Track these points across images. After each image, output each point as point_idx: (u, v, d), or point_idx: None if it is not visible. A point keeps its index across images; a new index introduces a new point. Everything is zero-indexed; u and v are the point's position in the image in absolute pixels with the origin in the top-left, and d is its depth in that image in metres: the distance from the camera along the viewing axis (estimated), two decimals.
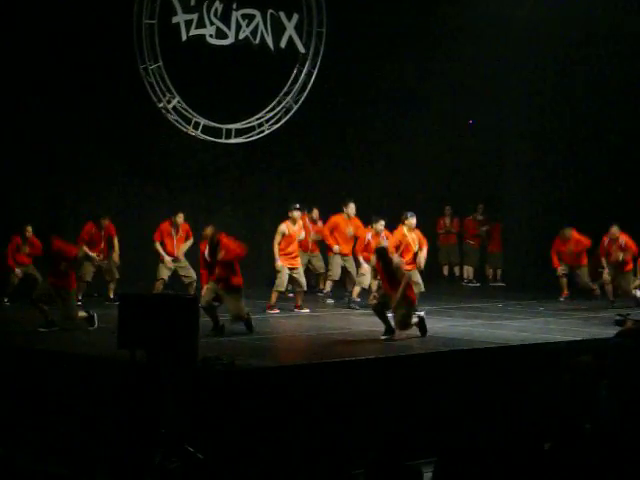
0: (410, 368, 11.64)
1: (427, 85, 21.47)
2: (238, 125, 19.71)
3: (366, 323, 14.64)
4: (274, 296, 16.27)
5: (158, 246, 17.20)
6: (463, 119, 22.61)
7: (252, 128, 19.89)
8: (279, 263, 16.27)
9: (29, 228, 16.55)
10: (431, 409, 11.17)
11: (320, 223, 18.60)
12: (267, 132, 20.02)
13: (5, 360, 11.64)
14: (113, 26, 17.90)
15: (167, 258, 17.08)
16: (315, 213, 18.74)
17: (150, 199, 18.85)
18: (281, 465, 9.98)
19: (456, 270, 22.23)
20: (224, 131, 19.52)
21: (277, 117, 20.11)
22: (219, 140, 19.51)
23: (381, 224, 16.91)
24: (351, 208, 17.79)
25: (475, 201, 22.20)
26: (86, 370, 10.88)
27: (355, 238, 17.61)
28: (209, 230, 13.65)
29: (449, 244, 21.93)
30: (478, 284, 21.75)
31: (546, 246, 19.10)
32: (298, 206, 16.82)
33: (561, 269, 18.64)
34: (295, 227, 16.60)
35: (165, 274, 17.10)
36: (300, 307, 16.39)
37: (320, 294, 18.20)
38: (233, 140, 19.67)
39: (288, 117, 20.19)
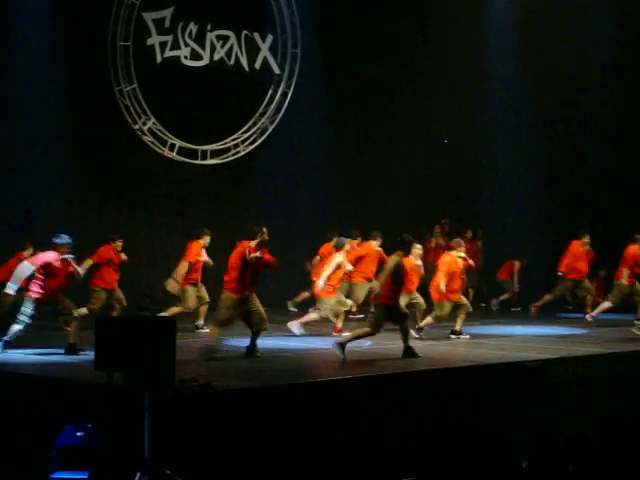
0: (388, 387, 11.64)
1: (401, 104, 21.56)
2: (214, 146, 19.73)
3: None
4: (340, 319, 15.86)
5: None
6: (438, 138, 22.67)
7: (228, 149, 19.92)
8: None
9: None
10: (410, 427, 11.16)
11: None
12: (243, 153, 20.05)
13: None
14: (88, 48, 17.93)
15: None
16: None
17: (126, 221, 18.77)
18: None
19: None
20: (200, 152, 19.53)
21: (253, 138, 20.14)
22: (195, 161, 19.52)
23: (418, 248, 15.78)
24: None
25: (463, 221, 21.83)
26: (63, 393, 10.81)
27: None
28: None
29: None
30: (483, 305, 21.04)
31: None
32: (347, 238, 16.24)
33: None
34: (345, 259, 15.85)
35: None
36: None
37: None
38: (209, 161, 19.69)
39: (264, 138, 20.23)
